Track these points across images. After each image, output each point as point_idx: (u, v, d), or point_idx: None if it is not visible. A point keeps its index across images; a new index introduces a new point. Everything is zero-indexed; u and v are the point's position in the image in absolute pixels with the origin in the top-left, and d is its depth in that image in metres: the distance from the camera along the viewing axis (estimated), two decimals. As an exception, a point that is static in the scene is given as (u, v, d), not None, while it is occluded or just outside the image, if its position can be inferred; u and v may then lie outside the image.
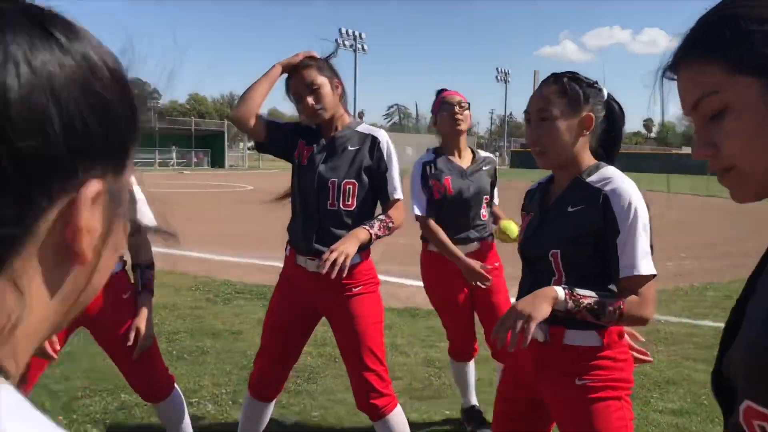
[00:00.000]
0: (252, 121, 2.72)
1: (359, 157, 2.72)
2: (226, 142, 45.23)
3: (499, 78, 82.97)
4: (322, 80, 2.68)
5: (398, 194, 2.74)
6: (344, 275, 2.42)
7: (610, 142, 1.99)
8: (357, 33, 58.14)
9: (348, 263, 2.41)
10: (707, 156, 0.85)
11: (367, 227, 2.58)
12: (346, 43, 57.39)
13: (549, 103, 1.91)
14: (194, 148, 44.05)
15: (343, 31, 57.76)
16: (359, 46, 58.23)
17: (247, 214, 15.32)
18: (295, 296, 2.83)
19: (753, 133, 0.80)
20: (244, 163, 47.39)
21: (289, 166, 2.86)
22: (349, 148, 2.74)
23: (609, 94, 1.99)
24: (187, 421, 3.06)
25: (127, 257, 2.89)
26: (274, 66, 2.74)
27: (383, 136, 2.77)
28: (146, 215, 2.88)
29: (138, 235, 2.86)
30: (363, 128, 2.80)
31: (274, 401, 3.02)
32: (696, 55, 0.83)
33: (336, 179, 2.69)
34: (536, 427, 2.09)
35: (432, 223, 3.32)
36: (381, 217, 2.68)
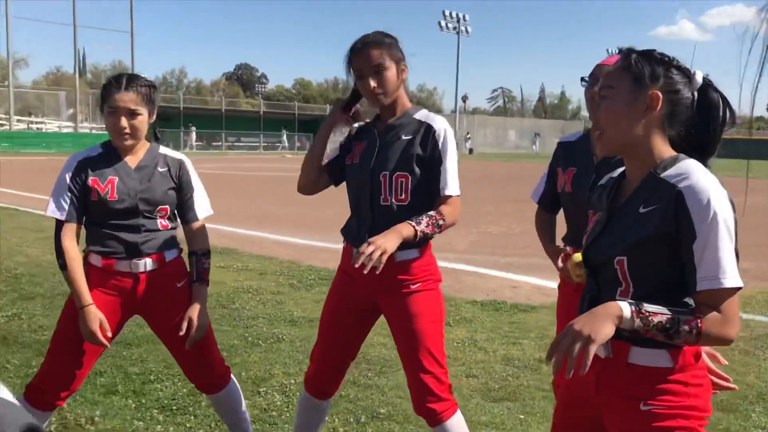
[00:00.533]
0: (317, 187, 2.74)
1: (412, 147, 2.49)
2: (329, 126, 45.91)
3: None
4: (390, 63, 2.49)
5: (450, 190, 2.49)
6: (378, 272, 2.20)
7: (703, 136, 1.68)
8: (460, 15, 57.22)
9: (384, 259, 2.20)
10: None
11: (413, 223, 2.37)
12: (449, 25, 56.64)
13: (611, 80, 1.65)
14: (297, 132, 44.83)
15: (446, 13, 56.96)
16: (462, 28, 57.27)
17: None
18: (352, 291, 2.67)
19: None
20: (345, 147, 47.86)
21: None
22: (403, 137, 2.52)
23: (707, 79, 1.67)
24: (243, 413, 2.99)
25: (184, 246, 2.82)
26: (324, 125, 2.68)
27: (440, 124, 2.53)
28: (203, 205, 2.82)
29: (195, 223, 2.79)
30: (421, 115, 2.57)
31: (330, 399, 2.89)
32: None
33: (387, 172, 2.49)
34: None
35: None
36: (431, 213, 2.44)
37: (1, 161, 25.40)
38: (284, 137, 43.73)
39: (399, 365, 4.29)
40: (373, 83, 2.49)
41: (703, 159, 1.65)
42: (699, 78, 1.65)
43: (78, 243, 2.64)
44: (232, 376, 2.94)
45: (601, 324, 1.48)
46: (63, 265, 2.58)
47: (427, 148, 2.50)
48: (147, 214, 2.63)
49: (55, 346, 2.63)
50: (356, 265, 2.18)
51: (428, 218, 2.42)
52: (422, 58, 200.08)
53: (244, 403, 3.02)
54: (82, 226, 2.66)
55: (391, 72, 2.50)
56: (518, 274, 7.15)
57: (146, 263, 2.64)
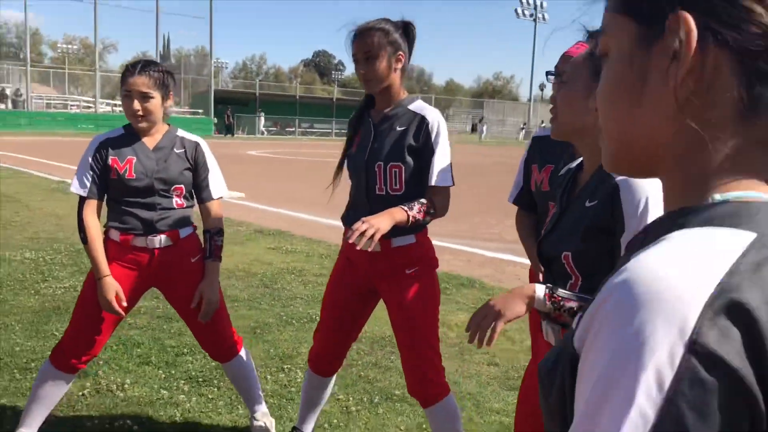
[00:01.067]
0: None
1: (405, 138, 2.55)
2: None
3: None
4: (382, 51, 2.54)
5: (441, 181, 2.53)
6: (370, 249, 2.27)
7: None
8: (538, 2, 56.16)
9: (377, 238, 2.27)
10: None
11: (406, 208, 2.43)
12: (526, 12, 55.67)
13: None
14: (369, 119, 45.26)
15: (524, 0, 56.02)
16: (539, 15, 56.23)
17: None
18: (352, 275, 2.76)
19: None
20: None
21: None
22: (397, 128, 2.57)
23: None
24: (253, 383, 3.13)
25: (198, 223, 2.96)
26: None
27: (433, 116, 2.57)
28: (217, 185, 2.95)
29: (210, 202, 2.93)
30: (415, 106, 2.61)
31: (333, 377, 2.99)
32: None
33: (381, 162, 2.55)
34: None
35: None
36: (422, 200, 2.50)
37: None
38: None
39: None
40: (362, 69, 2.55)
41: None
42: None
43: (99, 219, 2.82)
44: (243, 347, 3.09)
45: (513, 302, 1.52)
46: (84, 239, 2.76)
47: (419, 140, 2.54)
48: (163, 193, 2.79)
49: (77, 314, 2.83)
50: (350, 242, 2.26)
51: (420, 205, 2.47)
52: (499, 46, 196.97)
53: (256, 374, 3.16)
54: (104, 203, 2.85)
55: (382, 60, 2.54)
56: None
57: (161, 239, 2.80)
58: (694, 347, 0.50)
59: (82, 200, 2.79)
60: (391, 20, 2.60)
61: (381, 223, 2.31)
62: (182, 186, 2.83)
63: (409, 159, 2.54)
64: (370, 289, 2.74)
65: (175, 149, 2.84)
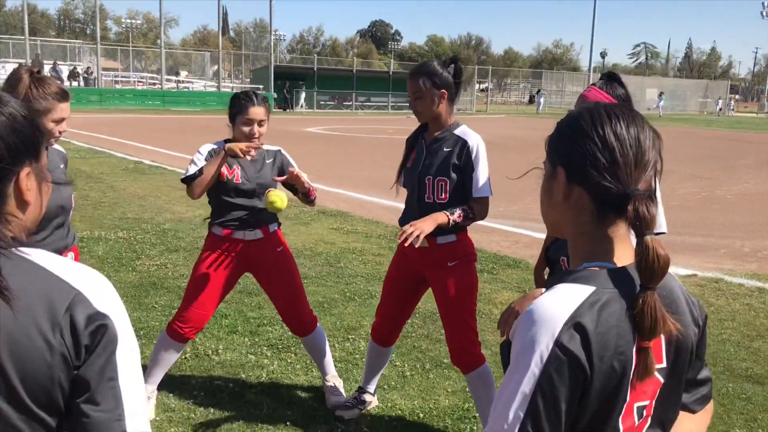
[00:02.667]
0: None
1: (450, 158, 3.15)
2: (456, 86, 45.98)
3: (764, 14, 73.59)
4: (426, 91, 3.13)
5: (481, 192, 3.13)
6: (417, 245, 2.90)
7: None
8: (599, -31, 55.01)
9: (422, 237, 2.89)
10: None
11: (447, 213, 3.03)
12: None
13: None
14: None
15: (584, -33, 54.87)
16: (601, -17, 55.09)
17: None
18: (406, 265, 3.38)
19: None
20: (472, 107, 47.94)
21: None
22: (444, 149, 3.18)
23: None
24: (327, 354, 3.80)
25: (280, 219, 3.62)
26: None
27: (474, 140, 3.17)
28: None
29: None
30: (460, 131, 3.21)
31: (392, 346, 3.64)
32: None
33: (431, 176, 3.16)
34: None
35: None
36: (464, 206, 3.11)
37: (153, 119, 27.96)
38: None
39: (470, 324, 4.98)
40: (413, 105, 3.18)
41: None
42: None
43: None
44: (318, 324, 3.76)
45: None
46: (198, 181, 3.35)
47: (462, 159, 3.15)
48: (259, 195, 3.46)
49: (188, 293, 3.55)
50: (399, 241, 2.90)
51: (461, 210, 3.08)
52: (559, 12, 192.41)
53: (328, 345, 3.84)
54: (209, 205, 3.55)
55: (427, 99, 3.15)
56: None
57: (255, 233, 3.48)
58: (557, 343, 1.10)
59: (189, 185, 3.39)
60: (440, 60, 3.20)
61: (425, 225, 2.93)
62: (272, 189, 3.49)
63: (453, 174, 3.14)
64: (420, 277, 3.37)
65: (266, 159, 3.52)
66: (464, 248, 3.25)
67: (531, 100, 57.35)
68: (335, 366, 3.97)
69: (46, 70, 34.43)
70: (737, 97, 64.26)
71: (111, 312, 1.11)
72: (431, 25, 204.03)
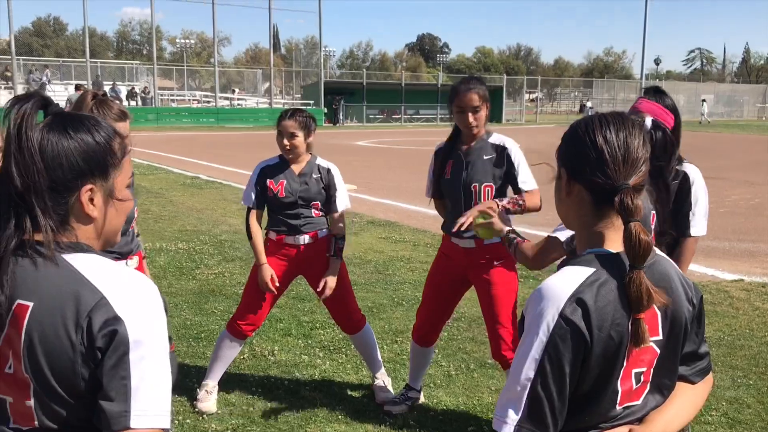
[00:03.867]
0: None
1: (493, 164, 3.38)
2: (504, 96, 45.94)
3: (825, 14, 71.22)
4: (482, 105, 3.36)
5: (528, 186, 3.35)
6: (473, 227, 3.00)
7: None
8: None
9: (470, 221, 2.91)
10: None
11: (498, 200, 3.23)
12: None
13: None
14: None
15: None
16: (651, -11, 54.32)
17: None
18: (448, 268, 3.59)
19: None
20: (521, 117, 47.79)
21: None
22: (484, 157, 3.40)
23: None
24: (374, 351, 4.04)
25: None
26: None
27: (511, 144, 3.40)
28: (343, 200, 3.84)
29: (336, 213, 3.82)
30: (495, 139, 3.43)
31: (434, 345, 3.85)
32: None
33: (476, 184, 3.38)
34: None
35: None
36: (515, 196, 3.33)
37: (208, 136, 28.78)
38: None
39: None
40: (471, 119, 3.36)
41: None
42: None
43: (260, 223, 3.82)
44: (367, 323, 4.00)
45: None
46: (249, 236, 3.77)
47: (505, 164, 3.37)
48: (304, 206, 3.73)
49: (246, 294, 3.84)
50: (454, 230, 3.06)
51: (512, 199, 3.31)
52: (610, 18, 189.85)
53: (376, 344, 4.08)
54: (264, 212, 3.84)
55: (483, 112, 3.37)
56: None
57: (305, 238, 3.75)
58: (562, 315, 1.31)
59: (248, 210, 3.79)
60: (481, 79, 3.44)
61: (474, 211, 3.09)
62: (318, 202, 3.76)
63: (497, 179, 3.36)
64: (462, 278, 3.57)
65: (313, 175, 3.78)
66: (506, 249, 3.45)
67: (581, 109, 56.76)
68: (384, 366, 4.20)
69: (106, 90, 35.95)
70: (796, 101, 62.23)
71: (130, 317, 1.23)
72: (479, 37, 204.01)
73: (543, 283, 1.39)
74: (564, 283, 1.36)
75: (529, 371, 1.33)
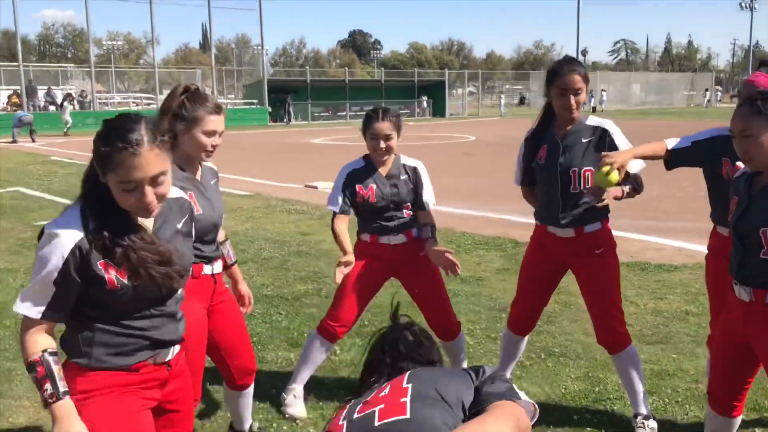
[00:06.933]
0: None
1: (594, 147, 3.33)
2: (447, 90, 46.28)
3: (744, 5, 74.77)
4: (584, 86, 3.30)
5: (635, 168, 3.28)
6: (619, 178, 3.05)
7: None
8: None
9: (621, 170, 3.02)
10: None
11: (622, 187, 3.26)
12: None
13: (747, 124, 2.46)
14: (416, 99, 45.58)
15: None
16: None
17: (474, 167, 16.18)
18: (543, 257, 3.56)
19: None
20: (464, 111, 48.29)
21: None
22: (583, 140, 3.36)
23: None
24: (462, 362, 3.91)
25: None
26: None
27: (611, 126, 3.38)
28: (430, 197, 3.72)
29: (426, 210, 3.70)
30: (592, 121, 3.41)
31: (527, 336, 3.82)
32: None
33: (576, 168, 3.33)
34: (745, 368, 2.70)
35: None
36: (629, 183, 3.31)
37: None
38: (424, 104, 44.69)
39: (563, 316, 5.17)
40: (572, 100, 3.29)
41: None
42: None
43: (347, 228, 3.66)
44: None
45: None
46: (335, 237, 3.60)
47: (605, 146, 3.32)
48: (395, 209, 3.64)
49: (337, 295, 3.71)
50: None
51: (630, 185, 3.32)
52: (538, 12, 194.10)
53: (464, 351, 3.97)
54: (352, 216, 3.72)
55: (583, 95, 3.32)
56: (660, 237, 7.79)
57: (399, 238, 3.65)
58: None
59: (334, 214, 3.66)
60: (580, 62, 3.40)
61: (621, 156, 3.06)
62: (409, 203, 3.67)
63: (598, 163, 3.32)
64: (561, 267, 3.55)
65: (401, 176, 3.66)
66: (607, 235, 3.44)
67: (522, 101, 57.80)
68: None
69: (41, 95, 34.39)
70: (719, 88, 64.97)
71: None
72: (411, 32, 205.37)
73: None
74: None
75: None
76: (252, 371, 3.31)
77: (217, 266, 3.06)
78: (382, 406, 1.64)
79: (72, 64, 48.53)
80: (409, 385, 1.68)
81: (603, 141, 3.35)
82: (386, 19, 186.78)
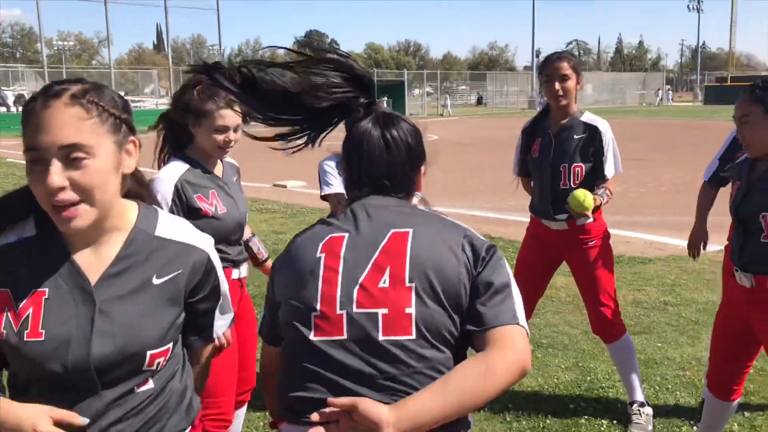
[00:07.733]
0: None
1: (585, 144, 3.37)
2: (406, 91, 46.41)
3: (691, 7, 76.85)
4: (572, 74, 3.34)
5: (610, 172, 3.37)
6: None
7: None
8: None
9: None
10: None
11: (600, 197, 3.28)
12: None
13: (746, 110, 2.54)
14: (376, 99, 45.56)
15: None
16: (536, -16, 56.59)
17: (441, 165, 16.21)
18: (539, 249, 3.60)
19: None
20: (424, 111, 48.48)
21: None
22: (575, 136, 3.39)
23: None
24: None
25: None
26: None
27: (603, 125, 3.40)
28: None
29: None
30: (586, 118, 3.43)
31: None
32: None
33: (566, 164, 3.37)
34: (746, 353, 2.78)
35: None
36: (604, 187, 3.34)
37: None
38: (384, 104, 44.60)
39: (546, 308, 5.23)
40: (557, 87, 3.33)
41: None
42: None
43: None
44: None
45: None
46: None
47: (595, 144, 3.37)
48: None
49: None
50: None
51: (604, 192, 3.33)
52: (492, 15, 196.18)
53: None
54: None
55: (572, 82, 3.35)
56: (628, 231, 7.94)
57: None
58: None
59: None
60: (572, 53, 3.43)
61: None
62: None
63: (588, 160, 3.37)
64: (555, 259, 3.60)
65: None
66: (600, 227, 3.50)
67: (479, 101, 58.36)
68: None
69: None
70: (669, 87, 66.60)
71: None
72: (367, 33, 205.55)
73: None
74: None
75: None
76: (251, 387, 3.04)
77: (244, 270, 2.88)
78: (386, 311, 1.44)
79: (21, 65, 47.21)
80: (413, 284, 1.46)
81: (593, 140, 3.39)
82: (341, 19, 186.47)
